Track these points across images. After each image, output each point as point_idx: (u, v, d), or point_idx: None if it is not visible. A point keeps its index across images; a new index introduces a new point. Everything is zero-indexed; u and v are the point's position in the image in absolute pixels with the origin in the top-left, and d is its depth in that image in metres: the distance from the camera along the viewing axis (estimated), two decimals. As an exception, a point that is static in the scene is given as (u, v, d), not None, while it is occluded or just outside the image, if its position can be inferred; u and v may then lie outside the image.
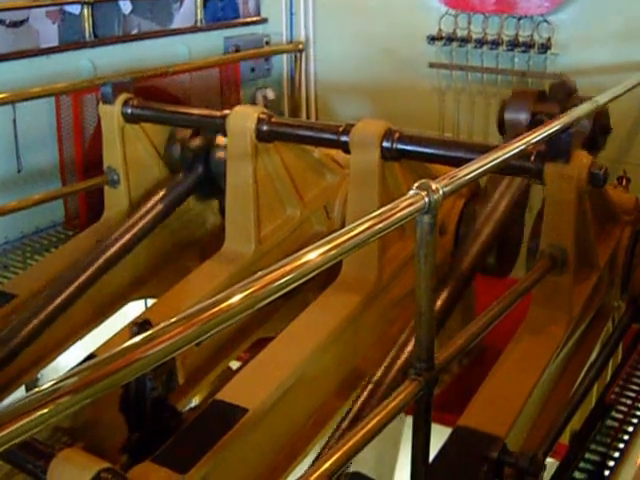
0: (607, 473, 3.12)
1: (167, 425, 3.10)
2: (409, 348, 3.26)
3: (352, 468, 6.00)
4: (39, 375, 4.18)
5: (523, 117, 4.56)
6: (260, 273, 1.78)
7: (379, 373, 3.21)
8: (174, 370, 3.17)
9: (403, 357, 3.26)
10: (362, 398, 3.12)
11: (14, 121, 5.09)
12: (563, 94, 4.60)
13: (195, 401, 4.05)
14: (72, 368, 1.55)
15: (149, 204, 4.42)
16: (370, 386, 3.17)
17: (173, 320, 1.61)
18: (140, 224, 4.35)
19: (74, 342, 4.11)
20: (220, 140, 4.47)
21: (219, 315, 1.66)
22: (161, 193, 4.48)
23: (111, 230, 4.45)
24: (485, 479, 2.69)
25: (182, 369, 3.23)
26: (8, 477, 3.09)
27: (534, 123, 4.40)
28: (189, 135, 4.61)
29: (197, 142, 4.57)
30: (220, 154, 4.44)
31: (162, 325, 1.60)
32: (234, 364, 4.28)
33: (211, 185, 4.57)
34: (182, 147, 4.62)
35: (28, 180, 5.22)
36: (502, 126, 4.71)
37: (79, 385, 1.45)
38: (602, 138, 4.56)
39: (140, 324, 2.98)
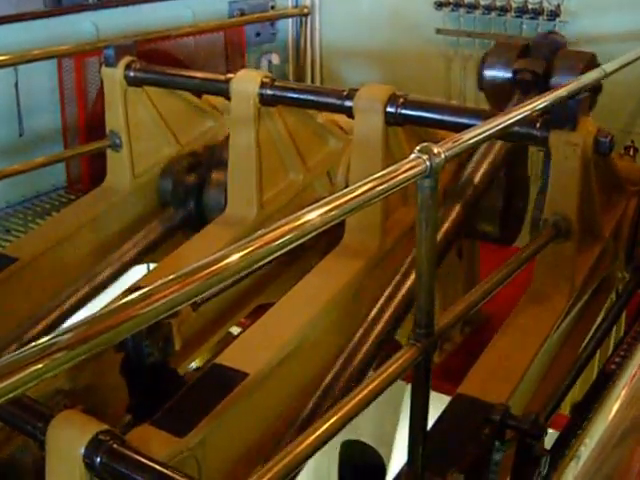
0: None
1: (168, 388, 3.10)
2: (385, 317, 3.31)
3: (352, 436, 6.02)
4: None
5: (503, 74, 4.33)
6: (259, 232, 1.76)
7: (355, 340, 3.26)
8: (170, 336, 3.16)
9: (377, 328, 3.30)
10: (337, 365, 3.17)
11: (16, 84, 5.06)
12: (549, 49, 4.35)
13: (197, 365, 4.06)
14: None
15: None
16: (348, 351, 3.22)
17: (170, 278, 1.59)
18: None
19: (78, 309, 4.10)
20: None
21: (216, 274, 1.64)
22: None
23: (113, 195, 4.44)
24: (485, 442, 2.68)
25: (178, 335, 3.22)
26: (8, 439, 3.09)
27: (516, 81, 4.27)
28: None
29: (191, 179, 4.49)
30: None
31: (159, 282, 1.58)
32: (235, 330, 4.28)
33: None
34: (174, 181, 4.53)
35: (30, 144, 5.19)
36: (481, 82, 4.48)
37: (75, 341, 1.44)
38: (593, 96, 4.40)
39: (134, 291, 2.96)
